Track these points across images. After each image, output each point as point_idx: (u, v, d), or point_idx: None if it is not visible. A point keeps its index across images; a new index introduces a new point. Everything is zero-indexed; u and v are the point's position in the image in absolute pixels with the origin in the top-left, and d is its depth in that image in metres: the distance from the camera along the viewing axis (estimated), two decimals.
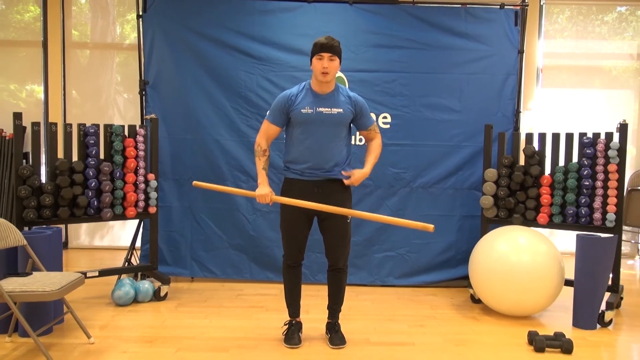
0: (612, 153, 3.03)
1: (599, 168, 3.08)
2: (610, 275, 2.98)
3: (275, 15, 3.65)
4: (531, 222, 3.30)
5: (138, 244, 3.72)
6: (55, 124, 3.02)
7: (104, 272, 3.20)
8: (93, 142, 3.08)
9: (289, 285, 2.64)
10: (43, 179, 3.14)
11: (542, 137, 3.33)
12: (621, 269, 3.15)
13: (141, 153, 3.27)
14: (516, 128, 3.69)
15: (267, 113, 2.53)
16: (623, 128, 3.04)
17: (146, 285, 3.21)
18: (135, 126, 3.28)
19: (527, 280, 2.80)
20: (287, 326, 2.65)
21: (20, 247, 2.57)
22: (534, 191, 3.28)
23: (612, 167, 3.03)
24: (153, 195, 3.35)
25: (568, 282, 3.07)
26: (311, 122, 2.42)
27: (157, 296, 3.26)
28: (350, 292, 3.56)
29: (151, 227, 3.40)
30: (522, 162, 3.48)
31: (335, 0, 3.68)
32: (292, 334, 2.58)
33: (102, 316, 2.93)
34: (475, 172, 3.68)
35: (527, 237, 2.93)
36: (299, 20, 3.65)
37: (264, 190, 2.42)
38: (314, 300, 3.33)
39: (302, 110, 2.41)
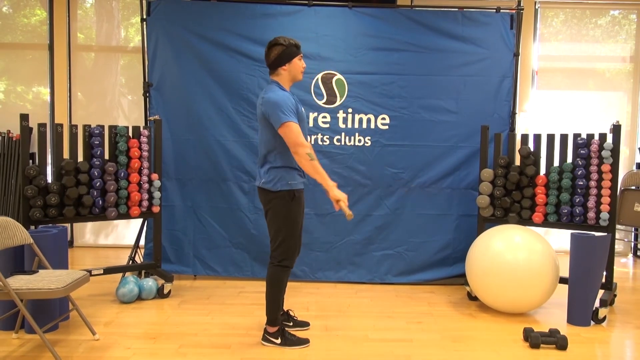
0: (605, 153, 3.07)
1: (593, 168, 3.13)
2: (604, 273, 3.02)
3: (276, 19, 3.69)
4: (526, 221, 3.35)
5: (142, 242, 3.76)
6: (61, 125, 3.04)
7: (108, 270, 3.22)
8: (98, 142, 3.12)
9: (283, 289, 2.53)
10: (49, 178, 3.19)
11: (537, 138, 3.37)
12: (614, 267, 3.19)
13: (145, 153, 3.31)
14: (512, 129, 3.73)
15: (283, 116, 2.29)
16: (616, 129, 3.08)
17: (150, 283, 3.26)
18: (139, 127, 3.32)
19: (523, 278, 2.84)
20: (281, 334, 2.53)
21: (27, 246, 2.61)
22: (529, 191, 3.32)
23: (605, 167, 3.07)
24: (157, 194, 3.39)
25: (563, 280, 3.12)
26: (302, 122, 2.48)
27: (160, 293, 3.30)
28: (349, 290, 3.62)
29: (155, 226, 3.45)
30: (517, 162, 3.54)
31: (334, 3, 3.74)
32: (296, 336, 2.56)
33: (106, 313, 2.97)
34: (471, 172, 3.73)
35: (522, 235, 2.96)
36: (299, 23, 3.70)
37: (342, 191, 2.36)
38: (314, 297, 3.39)
39: (303, 113, 2.46)
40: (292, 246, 2.48)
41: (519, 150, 3.40)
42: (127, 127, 3.26)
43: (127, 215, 3.27)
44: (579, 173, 3.17)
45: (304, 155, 2.29)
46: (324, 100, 3.73)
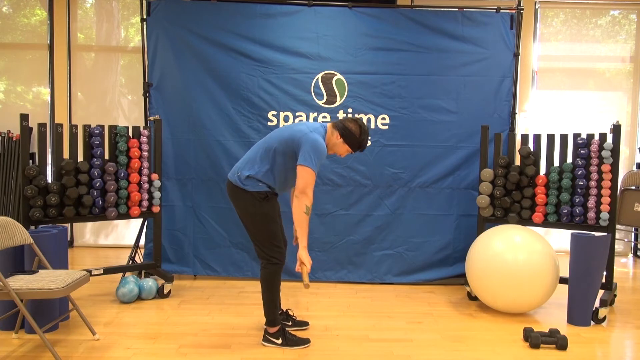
0: (605, 153, 3.07)
1: (593, 168, 3.13)
2: (604, 273, 3.02)
3: (275, 19, 3.70)
4: (526, 221, 3.35)
5: (142, 242, 3.76)
6: (61, 125, 3.05)
7: (108, 270, 3.22)
8: (98, 142, 3.12)
9: (278, 289, 2.52)
10: (49, 178, 3.19)
11: (537, 138, 3.37)
12: (614, 267, 3.20)
13: (145, 153, 3.32)
14: (512, 129, 3.73)
15: (312, 162, 2.32)
16: (616, 129, 3.09)
17: (150, 283, 3.26)
18: (139, 127, 3.32)
19: (523, 278, 2.84)
20: (282, 334, 2.54)
21: (27, 246, 2.62)
22: (529, 191, 3.32)
23: (605, 167, 3.07)
24: (156, 194, 3.39)
25: (563, 280, 3.12)
26: None
27: (160, 293, 3.30)
28: (349, 290, 3.62)
29: (155, 226, 3.45)
30: (517, 162, 3.54)
31: (335, 3, 3.74)
32: (296, 336, 2.57)
33: (106, 313, 2.97)
34: (471, 172, 3.73)
35: (522, 235, 2.96)
36: (299, 23, 3.70)
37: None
38: (314, 297, 3.39)
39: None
40: (277, 242, 2.48)
41: (519, 150, 3.40)
42: (127, 127, 3.27)
43: (127, 215, 3.27)
44: (579, 173, 3.17)
45: (303, 204, 2.33)
46: (324, 100, 3.73)
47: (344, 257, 3.77)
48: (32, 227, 2.98)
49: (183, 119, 3.71)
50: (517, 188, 3.40)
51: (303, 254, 2.35)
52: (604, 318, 2.99)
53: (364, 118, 3.73)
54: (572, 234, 2.94)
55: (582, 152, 3.16)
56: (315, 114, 3.73)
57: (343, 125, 2.47)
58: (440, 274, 3.76)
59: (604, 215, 3.07)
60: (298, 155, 2.37)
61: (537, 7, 4.88)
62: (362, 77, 3.72)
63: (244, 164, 2.49)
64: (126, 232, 4.91)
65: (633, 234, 4.95)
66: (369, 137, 2.51)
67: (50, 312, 2.62)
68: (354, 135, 2.47)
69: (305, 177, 2.32)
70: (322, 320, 2.92)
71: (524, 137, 3.40)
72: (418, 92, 3.72)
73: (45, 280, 2.26)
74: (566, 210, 3.19)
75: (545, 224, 3.30)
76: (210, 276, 3.80)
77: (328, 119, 3.73)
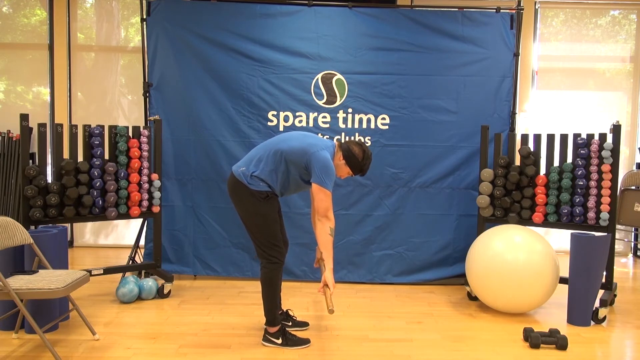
0: (605, 153, 3.07)
1: (593, 168, 3.13)
2: (604, 273, 3.02)
3: (275, 19, 3.70)
4: (527, 221, 3.35)
5: (142, 242, 3.76)
6: (61, 125, 3.05)
7: (108, 270, 3.23)
8: (98, 142, 3.12)
9: (278, 288, 2.53)
10: (49, 178, 3.19)
11: (537, 138, 3.38)
12: (614, 267, 3.19)
13: (145, 153, 3.32)
14: (512, 129, 3.73)
15: (327, 183, 2.37)
16: (616, 129, 3.09)
17: (150, 283, 3.26)
18: (139, 127, 3.32)
19: (523, 278, 2.84)
20: (282, 334, 2.54)
21: (27, 246, 2.62)
22: (529, 191, 3.33)
23: (605, 167, 3.07)
24: (157, 194, 3.39)
25: (563, 280, 3.12)
26: None
27: (160, 293, 3.30)
28: (349, 290, 3.62)
29: (155, 226, 3.45)
30: (517, 162, 3.54)
31: (335, 3, 3.75)
32: (296, 336, 2.58)
33: (106, 313, 2.97)
34: (471, 172, 3.73)
35: (522, 235, 2.96)
36: (299, 23, 3.70)
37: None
38: (314, 297, 3.39)
39: None
40: (276, 242, 2.49)
41: (519, 150, 3.40)
42: (127, 127, 3.27)
43: (127, 215, 3.27)
44: (579, 173, 3.17)
45: (326, 227, 2.39)
46: (324, 100, 3.73)
47: (344, 257, 3.77)
48: (32, 227, 2.98)
49: (183, 119, 3.71)
50: (517, 188, 3.40)
51: (329, 277, 2.35)
52: (604, 318, 2.99)
53: (364, 118, 3.73)
54: (572, 234, 2.94)
55: (582, 152, 3.16)
56: (315, 114, 3.73)
57: (347, 147, 2.49)
58: (440, 274, 3.76)
59: (604, 215, 3.07)
60: (310, 171, 2.39)
61: (537, 7, 4.88)
62: (362, 77, 3.72)
63: (250, 162, 2.49)
64: (126, 232, 4.91)
65: (633, 234, 4.95)
66: (371, 157, 2.56)
67: (50, 312, 2.62)
68: (356, 159, 2.48)
69: (324, 199, 2.36)
70: (322, 320, 2.92)
71: (524, 137, 3.40)
72: (418, 92, 3.72)
73: (45, 280, 2.26)
74: (566, 210, 3.19)
75: (545, 224, 3.30)
76: (210, 276, 3.80)
77: (328, 119, 3.73)
